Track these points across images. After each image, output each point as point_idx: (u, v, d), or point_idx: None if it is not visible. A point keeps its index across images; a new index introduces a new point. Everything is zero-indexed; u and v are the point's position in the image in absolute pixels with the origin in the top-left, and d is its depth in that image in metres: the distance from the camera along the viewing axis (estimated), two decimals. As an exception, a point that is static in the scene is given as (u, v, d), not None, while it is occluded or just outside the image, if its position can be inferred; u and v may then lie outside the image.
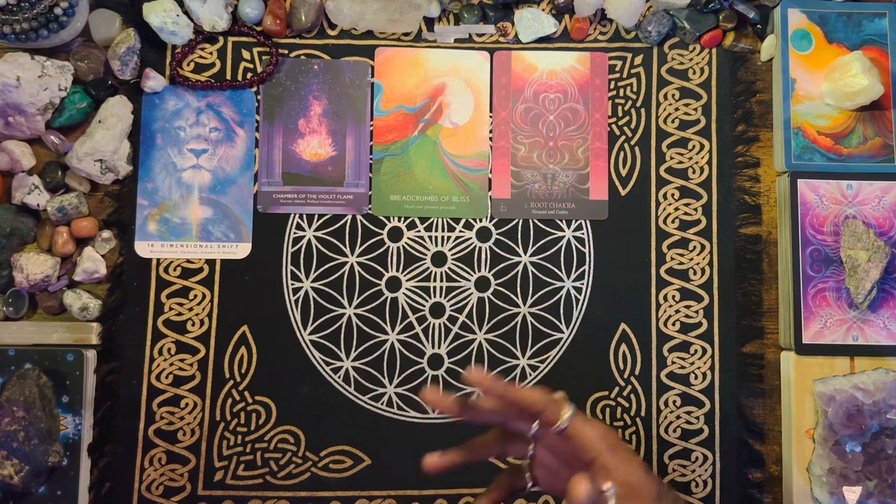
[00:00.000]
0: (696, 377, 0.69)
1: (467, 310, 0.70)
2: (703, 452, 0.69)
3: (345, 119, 0.71)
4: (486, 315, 0.70)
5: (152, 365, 0.68)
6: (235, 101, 0.71)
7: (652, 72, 0.72)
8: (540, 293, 0.70)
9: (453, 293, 0.70)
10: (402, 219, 0.70)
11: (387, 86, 0.71)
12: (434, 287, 0.70)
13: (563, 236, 0.71)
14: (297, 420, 0.68)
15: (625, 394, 0.69)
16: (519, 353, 0.69)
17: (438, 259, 0.70)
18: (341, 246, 0.70)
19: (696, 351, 0.70)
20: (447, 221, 0.71)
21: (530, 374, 0.69)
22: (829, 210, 0.69)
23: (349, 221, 0.70)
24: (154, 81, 0.69)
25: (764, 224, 0.71)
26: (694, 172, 0.71)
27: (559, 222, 0.71)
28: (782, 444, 0.68)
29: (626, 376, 0.69)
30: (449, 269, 0.70)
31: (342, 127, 0.71)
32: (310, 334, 0.69)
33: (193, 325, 0.68)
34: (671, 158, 0.72)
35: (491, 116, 0.72)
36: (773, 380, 0.69)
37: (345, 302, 0.69)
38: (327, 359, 0.69)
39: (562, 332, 0.70)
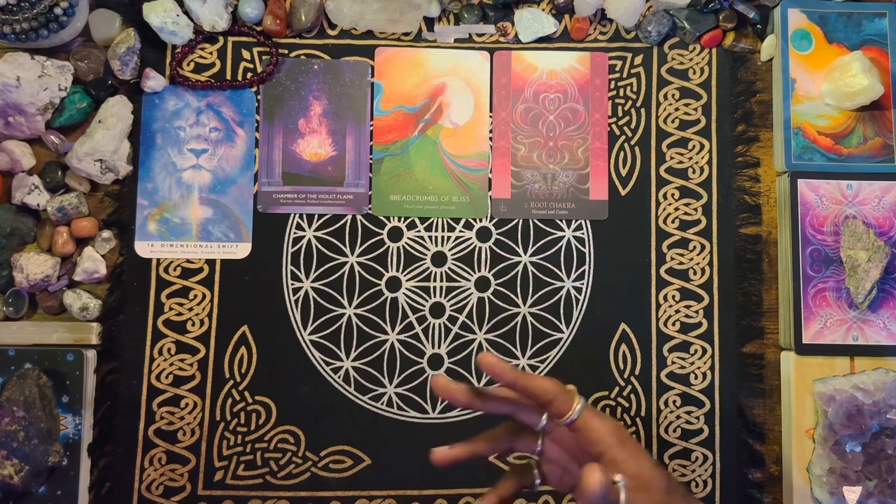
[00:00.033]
0: (696, 377, 0.69)
1: (467, 310, 0.70)
2: (703, 452, 0.69)
3: (345, 119, 0.71)
4: (486, 315, 0.70)
5: (152, 365, 0.68)
6: (235, 101, 0.71)
7: (652, 72, 0.72)
8: (540, 293, 0.70)
9: (453, 293, 0.70)
10: (402, 219, 0.70)
11: (387, 86, 0.71)
12: (434, 287, 0.70)
13: (563, 236, 0.71)
14: (297, 420, 0.68)
15: (625, 394, 0.69)
16: (519, 353, 0.69)
17: (438, 259, 0.70)
18: (341, 246, 0.70)
19: (696, 351, 0.70)
20: (447, 221, 0.71)
21: (530, 374, 0.69)
22: (829, 210, 0.69)
23: (349, 221, 0.70)
24: (154, 81, 0.69)
25: (764, 224, 0.71)
26: (694, 172, 0.72)
27: (559, 222, 0.71)
28: (782, 444, 0.68)
29: (626, 376, 0.69)
30: (449, 269, 0.70)
31: (342, 127, 0.71)
32: (310, 334, 0.69)
33: (193, 325, 0.68)
34: (671, 158, 0.72)
35: (491, 116, 0.72)
36: (773, 380, 0.70)
37: (345, 302, 0.69)
38: (327, 359, 0.69)
39: (562, 332, 0.70)
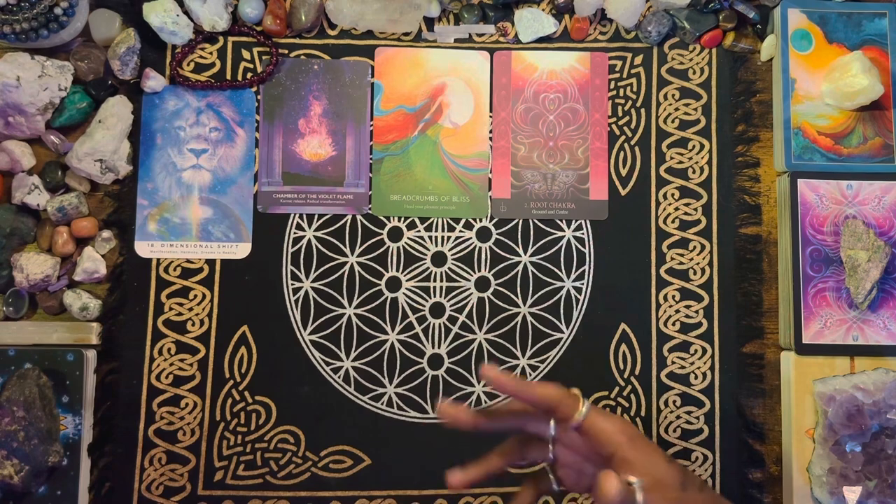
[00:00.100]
0: (696, 377, 0.69)
1: (467, 310, 0.70)
2: (703, 452, 0.69)
3: (345, 119, 0.71)
4: (486, 315, 0.70)
5: (152, 365, 0.68)
6: (235, 101, 0.71)
7: (652, 72, 0.72)
8: (540, 293, 0.70)
9: (453, 293, 0.70)
10: (402, 219, 0.70)
11: (387, 86, 0.71)
12: (434, 287, 0.70)
13: (563, 236, 0.71)
14: (297, 420, 0.68)
15: (625, 394, 0.69)
16: (519, 353, 0.69)
17: (438, 259, 0.70)
18: (341, 246, 0.70)
19: (696, 351, 0.70)
20: (447, 221, 0.71)
21: (530, 374, 0.69)
22: (829, 210, 0.69)
23: (349, 221, 0.70)
24: (154, 81, 0.69)
25: (764, 224, 0.71)
26: (694, 172, 0.71)
27: (559, 222, 0.71)
28: (782, 444, 0.68)
29: (626, 376, 0.69)
30: (449, 269, 0.70)
31: (342, 127, 0.71)
32: (310, 334, 0.69)
33: (193, 325, 0.68)
34: (671, 158, 0.72)
35: (491, 116, 0.72)
36: (773, 380, 0.70)
37: (345, 302, 0.69)
38: (327, 359, 0.69)
39: (562, 332, 0.70)
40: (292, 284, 0.69)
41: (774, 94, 0.72)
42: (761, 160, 0.72)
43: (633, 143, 0.72)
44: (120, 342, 0.68)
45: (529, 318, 0.70)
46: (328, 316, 0.69)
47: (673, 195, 0.71)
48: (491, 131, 0.71)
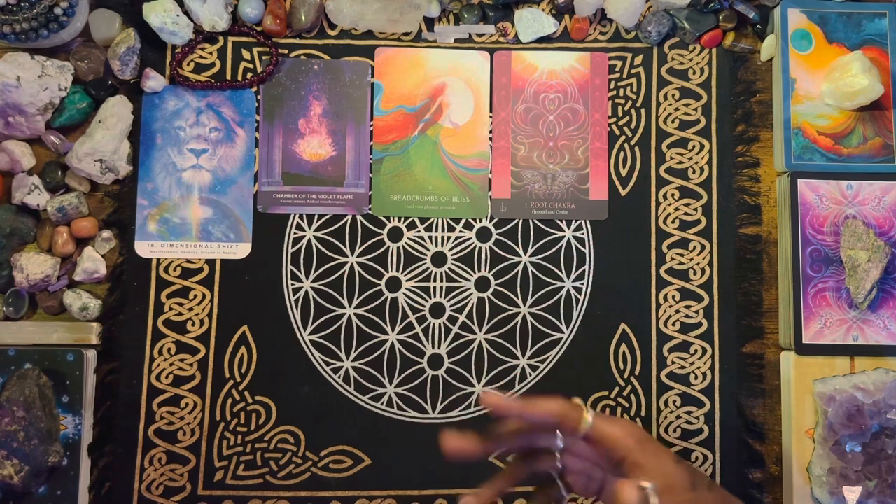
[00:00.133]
0: (696, 377, 0.69)
1: (467, 310, 0.70)
2: (703, 452, 0.69)
3: (345, 119, 0.71)
4: (486, 315, 0.70)
5: (152, 365, 0.68)
6: (235, 101, 0.71)
7: (652, 72, 0.72)
8: (540, 293, 0.70)
9: (453, 293, 0.70)
10: (402, 219, 0.70)
11: (387, 86, 0.71)
12: (434, 287, 0.70)
13: (563, 236, 0.71)
14: (297, 420, 0.68)
15: (625, 394, 0.69)
16: (519, 353, 0.69)
17: (438, 259, 0.70)
18: (341, 246, 0.70)
19: (696, 351, 0.70)
20: (447, 221, 0.71)
21: (530, 375, 0.69)
22: (829, 210, 0.69)
23: (349, 221, 0.70)
24: (154, 81, 0.69)
25: (764, 224, 0.71)
26: (694, 172, 0.71)
27: (559, 222, 0.71)
28: (782, 444, 0.68)
29: (626, 376, 0.69)
30: (449, 269, 0.70)
31: (342, 127, 0.71)
32: (310, 334, 0.69)
33: (193, 325, 0.68)
34: (671, 158, 0.72)
35: (491, 116, 0.72)
36: (773, 380, 0.69)
37: (345, 302, 0.69)
38: (327, 359, 0.69)
39: (562, 332, 0.70)
40: (292, 284, 0.69)
41: (774, 94, 0.72)
42: (761, 160, 0.72)
43: (633, 143, 0.72)
44: (120, 342, 0.68)
45: (529, 319, 0.70)
46: (328, 316, 0.69)
47: (673, 195, 0.71)
48: (491, 131, 0.71)
